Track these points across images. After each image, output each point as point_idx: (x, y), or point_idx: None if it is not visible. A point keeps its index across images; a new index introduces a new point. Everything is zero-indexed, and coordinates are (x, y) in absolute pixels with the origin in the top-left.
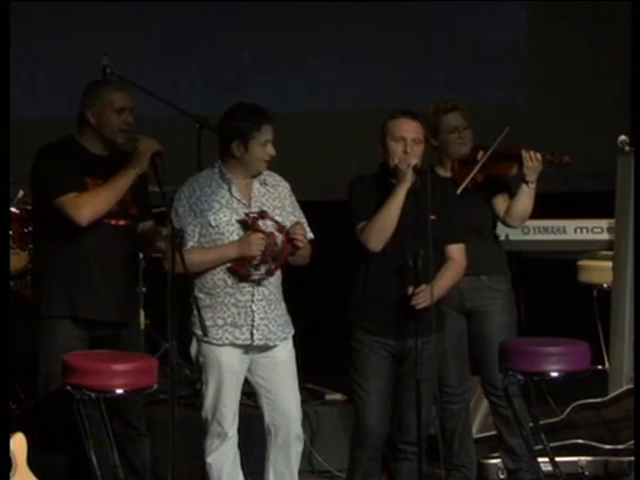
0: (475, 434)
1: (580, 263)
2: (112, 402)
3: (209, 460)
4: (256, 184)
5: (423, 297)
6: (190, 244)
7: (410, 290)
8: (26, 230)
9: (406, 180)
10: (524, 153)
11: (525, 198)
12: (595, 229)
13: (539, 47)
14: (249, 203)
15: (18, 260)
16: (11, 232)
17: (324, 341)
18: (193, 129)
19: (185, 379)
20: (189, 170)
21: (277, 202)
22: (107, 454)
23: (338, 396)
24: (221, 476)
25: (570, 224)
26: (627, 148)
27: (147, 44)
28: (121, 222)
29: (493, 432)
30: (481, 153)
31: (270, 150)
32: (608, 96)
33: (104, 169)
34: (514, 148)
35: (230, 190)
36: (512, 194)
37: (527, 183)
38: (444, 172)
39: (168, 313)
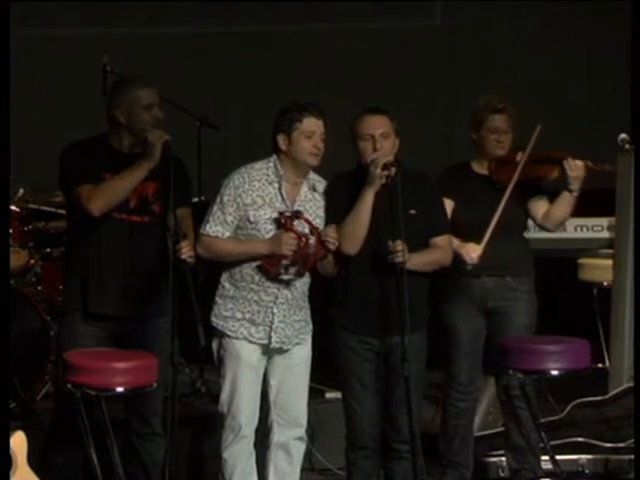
0: (475, 432)
1: (580, 261)
2: (132, 399)
3: (224, 455)
4: (305, 187)
5: (400, 252)
6: (227, 234)
7: (390, 244)
8: (26, 228)
9: (374, 184)
10: (566, 163)
11: (565, 205)
12: (595, 227)
13: (539, 46)
14: (292, 205)
15: (18, 258)
16: (11, 230)
17: (324, 340)
18: (193, 127)
19: (185, 378)
20: (189, 169)
21: (320, 211)
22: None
23: (338, 394)
24: (234, 472)
25: (570, 222)
26: (627, 146)
27: (147, 43)
28: (140, 219)
29: (493, 430)
30: (520, 154)
31: (317, 143)
32: (608, 95)
33: (126, 166)
34: (558, 154)
35: (280, 188)
36: (550, 197)
37: (570, 191)
38: (480, 168)
39: (170, 311)
